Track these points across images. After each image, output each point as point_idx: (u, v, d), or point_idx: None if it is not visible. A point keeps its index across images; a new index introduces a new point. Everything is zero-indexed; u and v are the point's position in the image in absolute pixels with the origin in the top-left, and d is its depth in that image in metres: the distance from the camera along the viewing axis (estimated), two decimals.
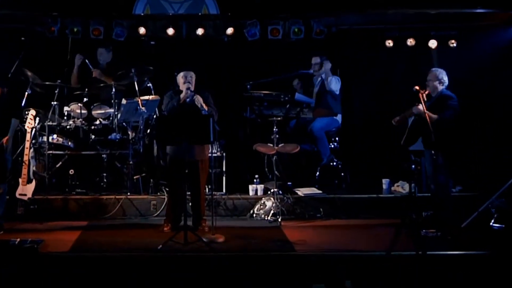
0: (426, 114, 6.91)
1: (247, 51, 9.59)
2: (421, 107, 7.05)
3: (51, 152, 8.44)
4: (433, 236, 7.03)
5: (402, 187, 8.64)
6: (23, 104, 8.33)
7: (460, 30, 9.37)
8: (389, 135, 8.21)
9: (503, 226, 7.38)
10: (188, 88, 7.45)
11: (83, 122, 8.55)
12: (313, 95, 9.18)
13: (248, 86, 8.76)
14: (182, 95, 7.45)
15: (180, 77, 7.59)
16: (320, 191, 8.51)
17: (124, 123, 8.52)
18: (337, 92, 8.98)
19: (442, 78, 7.49)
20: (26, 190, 7.67)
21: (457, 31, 9.38)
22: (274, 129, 8.23)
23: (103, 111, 8.69)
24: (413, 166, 6.89)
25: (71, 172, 8.48)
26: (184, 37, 9.44)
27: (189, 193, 7.50)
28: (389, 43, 9.46)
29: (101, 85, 8.70)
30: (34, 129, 7.92)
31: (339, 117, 9.09)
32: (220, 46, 9.61)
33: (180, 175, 7.24)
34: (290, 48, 9.54)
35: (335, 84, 8.93)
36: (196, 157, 7.33)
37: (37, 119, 8.03)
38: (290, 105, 8.69)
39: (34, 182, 7.73)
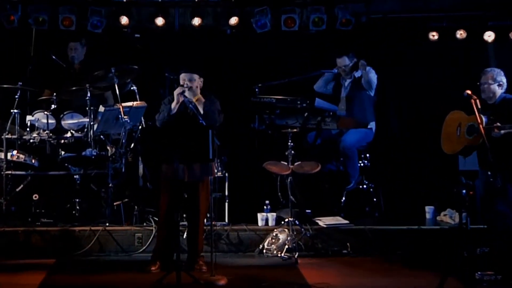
0: (481, 126, 6.86)
1: (255, 46, 9.62)
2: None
3: (9, 172, 8.43)
4: (491, 280, 6.97)
5: (450, 217, 8.62)
6: None
7: None
8: (434, 150, 8.17)
9: None
10: (182, 93, 7.43)
11: (51, 134, 8.52)
12: (339, 100, 9.20)
13: (257, 90, 8.75)
14: (173, 104, 7.44)
15: (181, 80, 7.57)
16: (347, 221, 8.51)
17: (102, 136, 8.52)
18: (373, 92, 9.04)
19: (500, 80, 7.43)
20: None
21: None
22: (289, 144, 8.23)
23: (75, 121, 8.67)
24: (464, 191, 6.84)
25: (35, 197, 8.46)
26: (176, 29, 9.47)
27: (183, 223, 7.46)
28: (434, 35, 9.46)
29: (73, 88, 8.68)
30: None
31: (372, 125, 9.12)
32: (222, 40, 9.63)
33: (173, 201, 7.24)
34: (308, 42, 9.54)
35: (374, 75, 8.96)
36: (198, 177, 7.34)
37: None
38: (308, 113, 8.67)
39: None
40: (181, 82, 7.51)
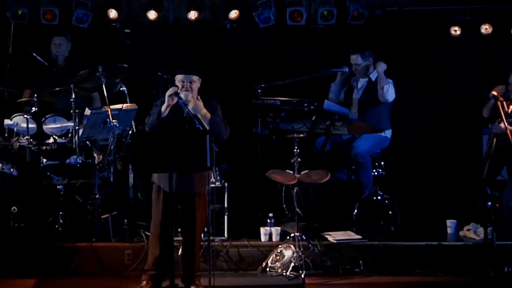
0: (508, 131, 6.85)
1: (257, 42, 9.61)
2: (503, 124, 7.00)
3: None
4: None
5: (474, 232, 8.58)
6: None
7: None
8: (456, 157, 8.19)
9: None
10: (175, 95, 7.40)
11: (31, 140, 8.51)
12: (351, 102, 9.20)
13: (259, 91, 8.77)
14: (163, 106, 7.41)
15: (179, 82, 7.53)
16: (359, 236, 8.50)
17: (88, 142, 8.51)
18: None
19: None
20: None
21: None
22: (295, 150, 8.22)
23: (58, 126, 8.67)
24: (489, 203, 6.83)
25: (14, 210, 8.45)
26: (171, 23, 9.49)
27: (178, 238, 7.45)
28: (456, 30, 9.48)
29: (56, 89, 8.67)
30: None
31: (388, 133, 9.11)
32: (221, 35, 9.61)
33: (166, 214, 7.24)
34: (317, 38, 9.53)
35: (392, 95, 8.95)
36: (195, 188, 7.33)
37: None
38: (317, 116, 8.67)
39: None
40: (179, 85, 7.46)
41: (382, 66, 8.95)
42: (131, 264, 8.12)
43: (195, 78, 7.46)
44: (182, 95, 7.41)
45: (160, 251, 7.39)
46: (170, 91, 7.41)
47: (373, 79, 9.09)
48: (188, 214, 7.34)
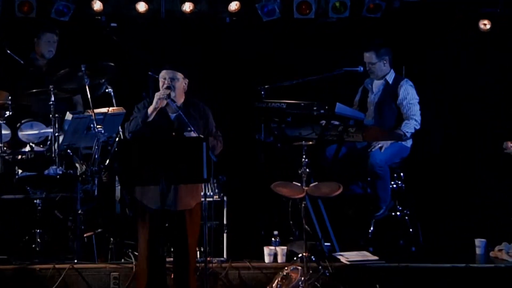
0: None
1: (260, 38, 9.63)
2: None
3: None
4: None
5: (507, 253, 8.56)
6: None
7: None
8: (485, 169, 8.17)
9: None
10: (163, 97, 7.41)
11: (5, 149, 8.51)
12: (366, 107, 9.21)
13: (263, 92, 8.77)
14: (150, 108, 7.42)
15: (160, 79, 7.56)
16: (376, 257, 8.48)
17: (69, 150, 8.51)
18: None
19: None
20: None
21: None
22: (303, 160, 8.16)
23: (36, 132, 8.64)
24: None
25: None
26: (163, 17, 9.50)
27: (170, 259, 7.47)
28: (485, 24, 9.50)
29: (33, 90, 8.67)
30: None
31: (408, 141, 9.11)
32: (220, 30, 9.61)
33: (154, 233, 7.26)
34: (327, 32, 9.52)
35: (413, 93, 8.98)
36: (181, 205, 7.36)
37: None
38: (327, 121, 8.70)
39: None
40: (160, 82, 7.49)
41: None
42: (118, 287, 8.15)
43: (180, 75, 7.47)
44: (174, 96, 7.43)
45: (149, 273, 7.40)
46: (161, 93, 7.42)
47: (390, 82, 9.09)
48: (178, 232, 7.37)
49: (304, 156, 8.15)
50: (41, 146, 8.57)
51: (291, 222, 8.64)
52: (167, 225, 7.18)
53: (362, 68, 9.14)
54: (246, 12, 9.44)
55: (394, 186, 9.10)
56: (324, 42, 9.74)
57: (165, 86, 7.48)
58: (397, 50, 9.25)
